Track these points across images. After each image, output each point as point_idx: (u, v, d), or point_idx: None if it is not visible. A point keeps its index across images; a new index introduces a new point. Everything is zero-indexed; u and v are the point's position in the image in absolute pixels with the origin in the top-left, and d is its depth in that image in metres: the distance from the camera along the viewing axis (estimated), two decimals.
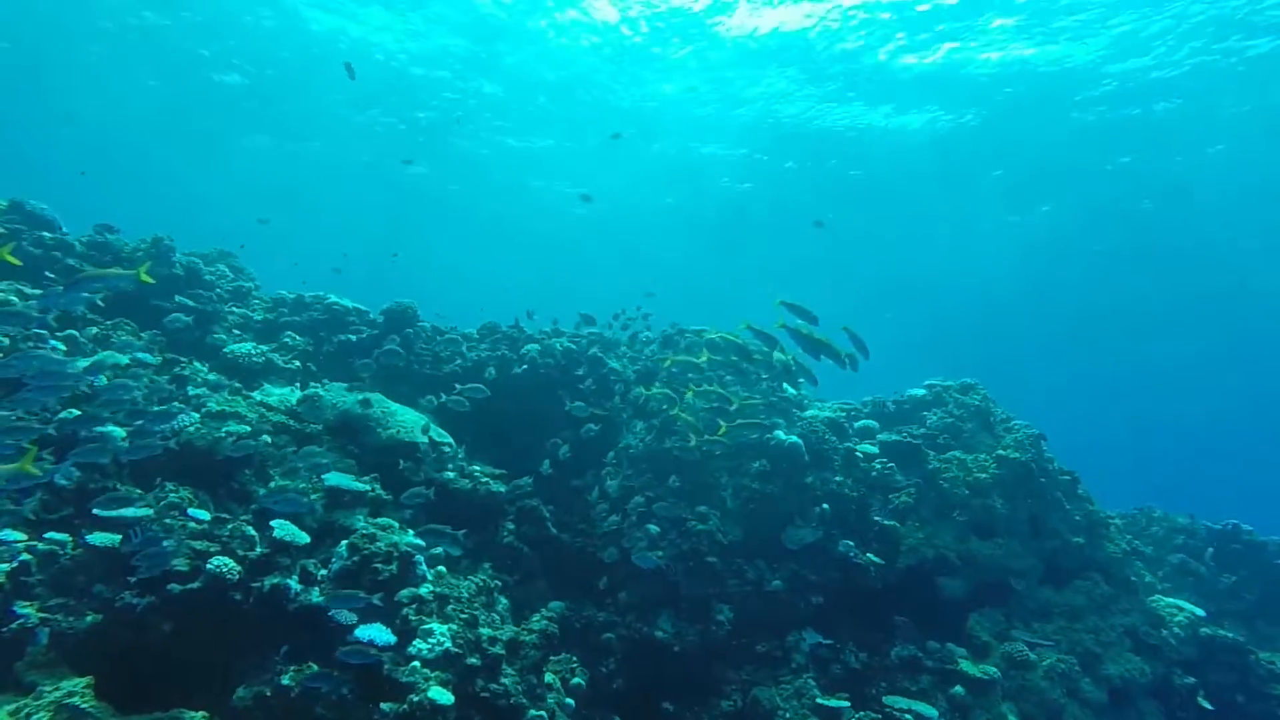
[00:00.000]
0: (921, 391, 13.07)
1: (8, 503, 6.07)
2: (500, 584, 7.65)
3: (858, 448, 11.19)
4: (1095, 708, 9.04)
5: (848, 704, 7.91)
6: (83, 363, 7.01)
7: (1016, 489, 10.72)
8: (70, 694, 5.28)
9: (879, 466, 10.93)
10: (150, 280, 6.65)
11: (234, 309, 10.67)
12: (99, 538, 6.13)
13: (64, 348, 7.49)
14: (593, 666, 8.17)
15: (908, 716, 7.72)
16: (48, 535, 6.17)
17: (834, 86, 24.28)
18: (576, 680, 7.59)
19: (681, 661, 8.58)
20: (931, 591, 9.97)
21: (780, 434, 10.25)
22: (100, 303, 8.79)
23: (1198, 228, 29.82)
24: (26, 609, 5.62)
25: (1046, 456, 11.40)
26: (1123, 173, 26.98)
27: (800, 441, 10.25)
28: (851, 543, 9.66)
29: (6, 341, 7.36)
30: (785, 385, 11.67)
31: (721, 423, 8.89)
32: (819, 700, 8.04)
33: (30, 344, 7.17)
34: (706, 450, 9.47)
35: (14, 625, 5.48)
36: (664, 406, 9.62)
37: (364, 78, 23.08)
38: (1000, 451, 10.98)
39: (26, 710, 5.04)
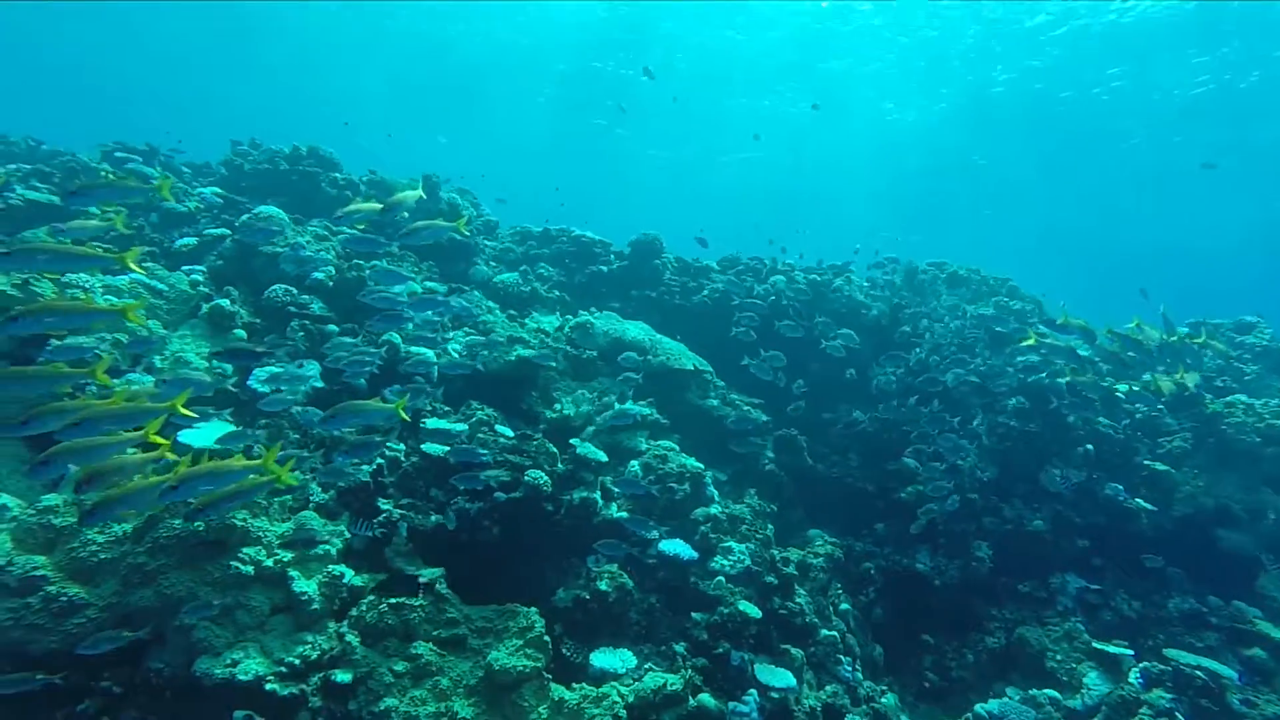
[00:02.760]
0: (1183, 330, 11.86)
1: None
2: (772, 510, 7.86)
3: (1118, 387, 10.41)
4: None
5: (1130, 652, 7.55)
6: (397, 287, 7.75)
7: None
8: (431, 581, 6.02)
9: (1144, 408, 10.12)
10: (466, 234, 7.24)
11: (487, 242, 11.34)
12: (431, 447, 6.84)
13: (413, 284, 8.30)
14: (852, 594, 8.28)
15: (1199, 674, 7.24)
16: (389, 444, 6.95)
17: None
18: (844, 606, 7.73)
19: (941, 595, 8.52)
20: (1209, 544, 9.22)
21: (1042, 375, 9.71)
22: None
23: None
24: (387, 505, 6.41)
25: None
26: None
27: (1060, 382, 9.66)
28: (1120, 486, 9.09)
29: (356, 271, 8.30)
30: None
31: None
32: (1095, 645, 7.73)
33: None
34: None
35: (380, 518, 6.27)
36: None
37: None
38: None
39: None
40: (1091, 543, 8.90)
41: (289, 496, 6.21)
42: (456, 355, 7.61)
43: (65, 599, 5.02)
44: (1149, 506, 9.03)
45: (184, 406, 4.94)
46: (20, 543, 5.24)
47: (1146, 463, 9.42)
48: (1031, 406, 9.46)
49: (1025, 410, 9.42)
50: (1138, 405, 10.05)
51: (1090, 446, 9.31)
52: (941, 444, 8.25)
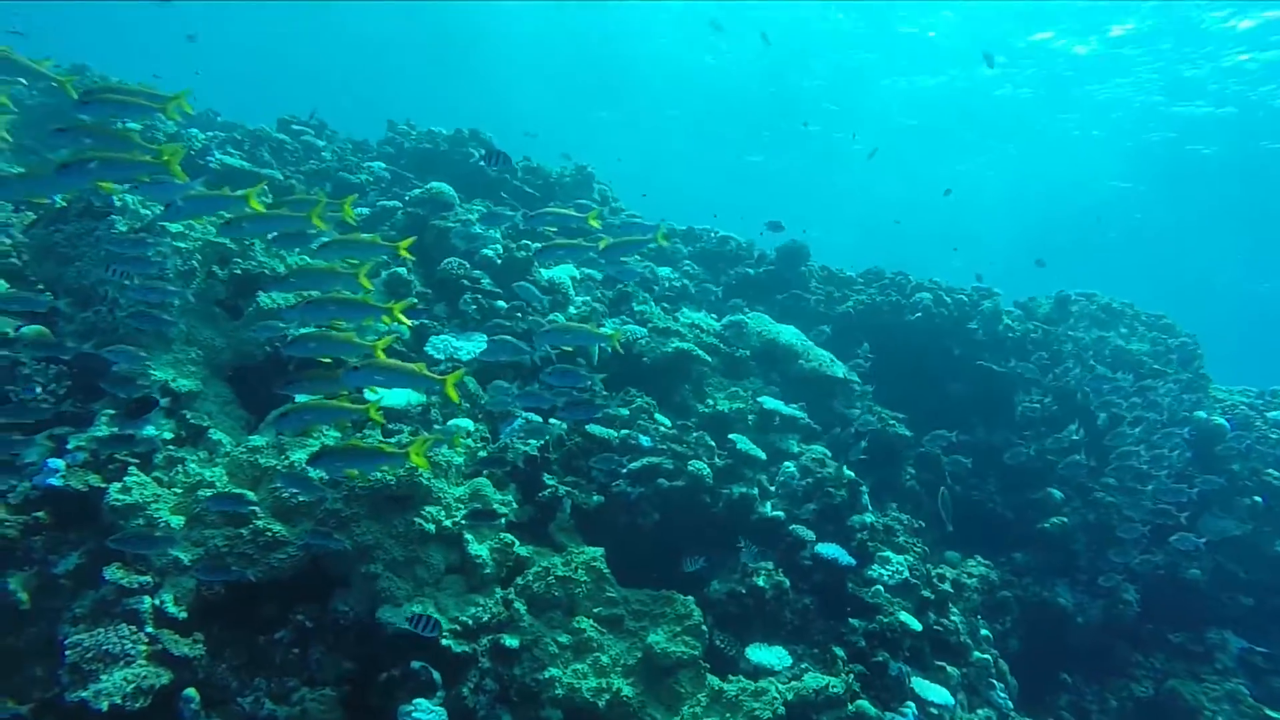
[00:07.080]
0: None
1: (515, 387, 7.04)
2: (920, 526, 7.71)
3: None
4: None
5: None
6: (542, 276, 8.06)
7: None
8: (593, 559, 6.12)
9: None
10: (666, 243, 7.35)
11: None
12: (596, 429, 6.96)
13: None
14: (988, 621, 8.03)
15: None
16: (550, 421, 7.11)
17: None
18: (984, 632, 7.49)
19: (1082, 635, 8.18)
20: None
21: (1202, 413, 9.22)
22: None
23: None
24: (552, 481, 6.56)
25: None
26: None
27: (1226, 424, 9.15)
28: None
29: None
30: None
31: None
32: (1268, 712, 7.26)
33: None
34: None
35: (546, 493, 6.42)
36: None
37: None
38: None
39: (573, 562, 5.94)
40: (1256, 601, 8.38)
41: (463, 460, 6.42)
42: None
43: (270, 535, 5.32)
44: None
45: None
46: (233, 476, 5.61)
47: None
48: (1192, 450, 8.98)
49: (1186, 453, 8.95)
50: None
51: (1259, 499, 8.77)
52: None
